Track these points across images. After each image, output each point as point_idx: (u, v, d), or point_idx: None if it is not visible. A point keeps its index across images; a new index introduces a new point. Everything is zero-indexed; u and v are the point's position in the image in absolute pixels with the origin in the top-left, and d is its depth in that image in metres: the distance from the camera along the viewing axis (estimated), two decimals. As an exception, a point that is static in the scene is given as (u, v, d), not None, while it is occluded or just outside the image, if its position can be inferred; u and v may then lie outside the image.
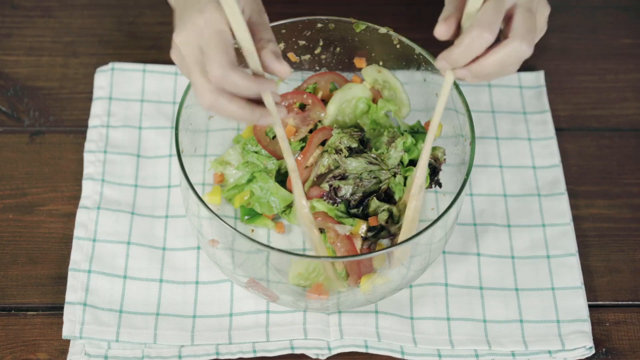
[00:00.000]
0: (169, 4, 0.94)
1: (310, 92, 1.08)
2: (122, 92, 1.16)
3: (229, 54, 0.83)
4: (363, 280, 0.96)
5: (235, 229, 0.90)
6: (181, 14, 0.86)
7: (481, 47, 0.84)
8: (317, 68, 1.11)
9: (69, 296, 1.00)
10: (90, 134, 1.12)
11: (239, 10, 0.83)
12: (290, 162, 0.94)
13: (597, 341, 1.01)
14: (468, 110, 0.98)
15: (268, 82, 0.86)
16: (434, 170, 1.03)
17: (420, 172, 0.96)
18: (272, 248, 0.93)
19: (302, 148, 1.05)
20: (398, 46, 1.05)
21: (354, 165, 1.01)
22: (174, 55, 0.87)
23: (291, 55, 1.08)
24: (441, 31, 0.86)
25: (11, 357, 0.98)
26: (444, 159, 1.04)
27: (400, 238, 0.98)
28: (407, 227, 0.98)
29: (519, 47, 0.84)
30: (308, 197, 1.01)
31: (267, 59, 0.86)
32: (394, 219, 1.01)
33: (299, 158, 1.04)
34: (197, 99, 0.85)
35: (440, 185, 1.05)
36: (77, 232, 1.04)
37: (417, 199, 0.97)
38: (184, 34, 0.84)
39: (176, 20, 0.88)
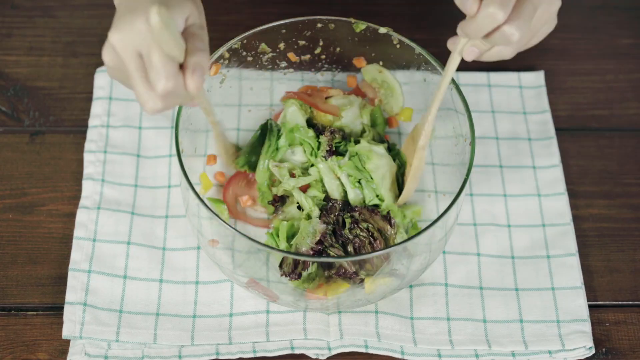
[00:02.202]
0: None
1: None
2: (122, 92, 1.16)
3: (173, 62, 0.82)
4: (367, 281, 0.96)
5: (235, 229, 0.90)
6: (122, 14, 0.84)
7: (493, 25, 0.84)
8: (317, 67, 1.11)
9: (69, 296, 1.00)
10: (90, 134, 1.12)
11: (174, 23, 0.81)
12: (213, 124, 0.99)
13: (597, 341, 1.01)
14: (468, 110, 0.98)
15: (203, 92, 0.92)
16: None
17: (429, 124, 0.98)
18: (272, 248, 0.93)
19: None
20: (398, 46, 1.05)
21: None
22: (106, 55, 0.84)
23: (291, 55, 1.09)
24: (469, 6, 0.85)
25: (11, 357, 0.98)
26: None
27: (407, 186, 1.02)
28: (414, 175, 1.01)
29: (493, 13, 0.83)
30: None
31: (187, 67, 0.83)
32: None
33: None
34: (142, 105, 0.83)
35: None
36: (77, 232, 1.04)
37: (425, 149, 0.99)
38: (123, 33, 0.82)
39: (115, 19, 0.85)
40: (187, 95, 0.85)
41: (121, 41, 0.82)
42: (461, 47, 0.89)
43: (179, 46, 0.82)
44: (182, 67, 0.83)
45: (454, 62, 0.93)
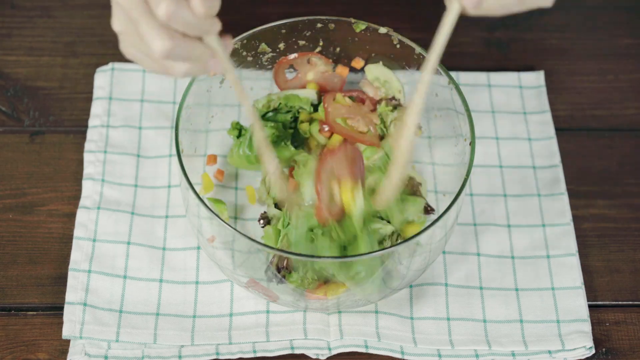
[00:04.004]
0: None
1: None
2: (122, 92, 1.16)
3: None
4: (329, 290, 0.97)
5: (235, 229, 0.90)
6: None
7: None
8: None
9: (69, 296, 1.00)
10: (90, 134, 1.12)
11: None
12: (247, 108, 0.88)
13: (597, 341, 1.01)
14: (468, 110, 0.98)
15: (215, 21, 0.79)
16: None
17: (419, 95, 0.87)
18: (272, 248, 0.93)
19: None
20: (398, 46, 1.05)
21: None
22: (115, 19, 0.79)
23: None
24: None
25: (11, 357, 0.98)
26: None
27: (390, 177, 0.92)
28: (399, 162, 0.91)
29: None
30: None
31: None
32: None
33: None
34: (151, 47, 0.77)
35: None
36: (77, 232, 1.04)
37: (413, 128, 0.89)
38: None
39: None
40: (197, 25, 0.77)
41: None
42: None
43: None
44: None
45: (451, 12, 0.82)
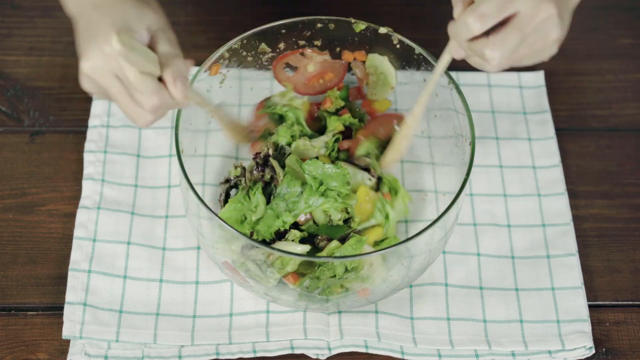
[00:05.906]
0: (72, 15, 0.93)
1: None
2: (122, 92, 1.16)
3: (152, 77, 0.84)
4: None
5: (236, 229, 0.90)
6: (85, 40, 0.86)
7: (468, 35, 0.85)
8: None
9: (69, 296, 1.00)
10: (90, 134, 1.12)
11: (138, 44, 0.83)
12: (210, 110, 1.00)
13: (597, 341, 1.01)
14: (468, 110, 0.98)
15: (190, 91, 0.90)
16: None
17: (414, 119, 1.00)
18: (272, 248, 0.93)
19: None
20: (398, 46, 1.05)
21: None
22: (85, 84, 0.87)
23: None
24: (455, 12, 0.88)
25: (11, 357, 0.98)
26: None
27: (390, 154, 1.04)
28: (398, 145, 1.03)
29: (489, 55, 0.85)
30: None
31: (166, 80, 0.86)
32: None
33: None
34: (134, 121, 0.87)
35: None
36: (77, 232, 1.04)
37: (409, 139, 1.02)
38: (94, 61, 0.84)
39: (81, 44, 0.87)
40: (176, 102, 0.87)
41: (95, 69, 0.85)
42: (450, 45, 0.92)
43: (152, 60, 0.84)
44: (161, 79, 0.86)
45: (444, 58, 0.94)
